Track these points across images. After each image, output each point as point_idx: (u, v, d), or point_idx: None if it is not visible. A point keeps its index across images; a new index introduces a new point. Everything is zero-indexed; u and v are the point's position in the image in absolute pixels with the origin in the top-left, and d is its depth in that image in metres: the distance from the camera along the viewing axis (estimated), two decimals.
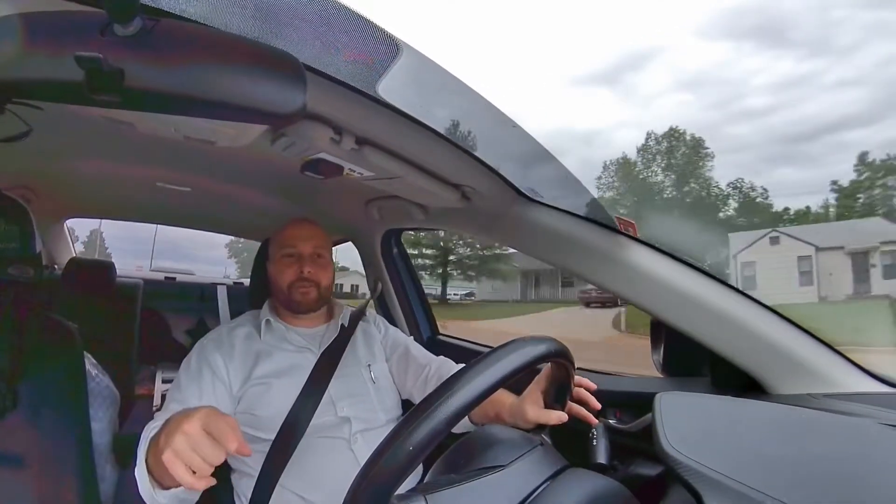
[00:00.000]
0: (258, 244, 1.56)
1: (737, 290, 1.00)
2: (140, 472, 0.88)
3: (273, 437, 1.14)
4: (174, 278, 3.23)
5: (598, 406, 1.00)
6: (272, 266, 1.34)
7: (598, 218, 1.07)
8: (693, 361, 1.14)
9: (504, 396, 1.04)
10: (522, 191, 1.11)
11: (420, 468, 1.08)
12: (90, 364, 1.13)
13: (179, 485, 0.81)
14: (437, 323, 2.17)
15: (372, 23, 0.70)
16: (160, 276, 3.25)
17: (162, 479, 0.86)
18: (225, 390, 1.17)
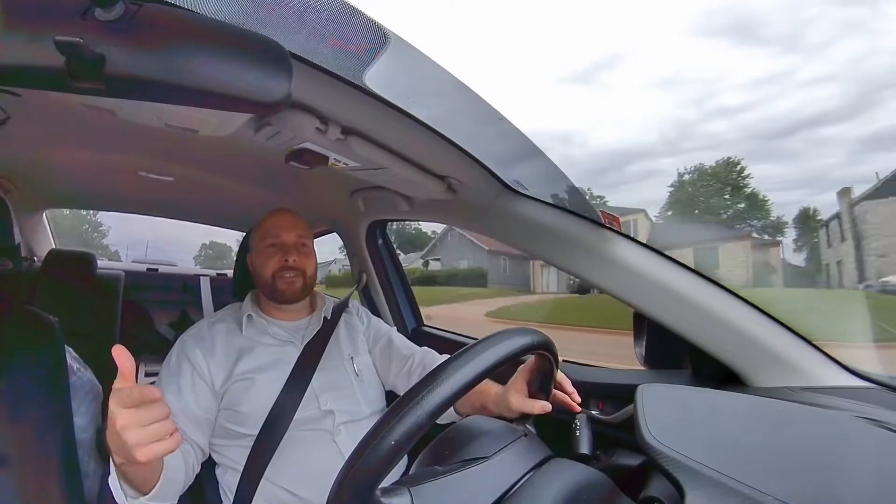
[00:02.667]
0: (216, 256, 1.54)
1: (718, 285, 1.01)
2: (113, 481, 0.87)
3: (256, 432, 1.13)
4: (156, 269, 3.18)
5: (579, 400, 1.01)
6: (255, 256, 1.31)
7: (582, 211, 1.07)
8: (674, 354, 1.15)
9: (489, 387, 1.04)
10: (508, 183, 1.11)
11: (405, 459, 1.08)
12: (71, 358, 1.11)
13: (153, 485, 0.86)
14: None
15: (359, 11, 0.69)
16: (142, 267, 3.20)
17: (135, 480, 0.86)
18: (206, 387, 1.15)
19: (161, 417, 0.72)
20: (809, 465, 0.65)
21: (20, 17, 0.49)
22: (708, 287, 1.01)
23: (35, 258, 2.56)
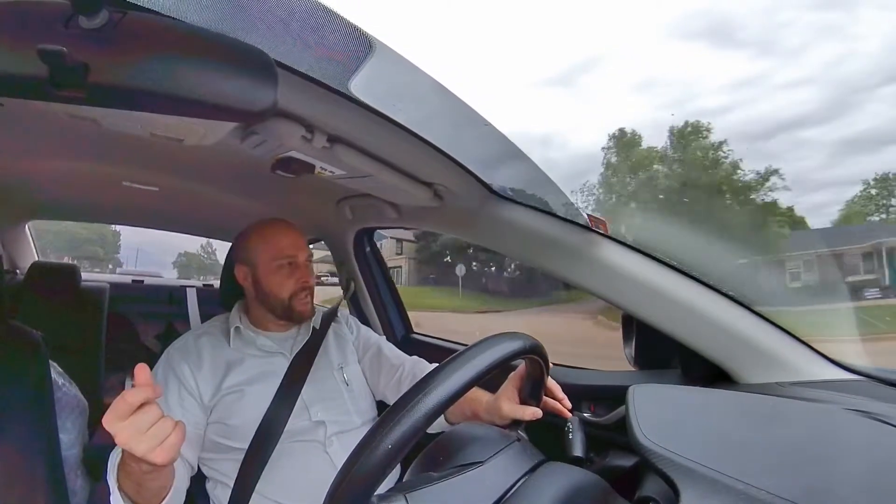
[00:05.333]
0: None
1: (705, 284, 1.02)
2: (116, 500, 0.85)
3: (247, 445, 1.11)
4: (142, 281, 3.14)
5: (570, 406, 1.01)
6: (265, 274, 1.25)
7: (569, 216, 1.08)
8: (664, 354, 1.15)
9: (479, 394, 1.04)
10: (494, 189, 1.11)
11: (397, 469, 1.08)
12: (56, 373, 1.09)
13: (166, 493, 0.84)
14: None
15: (343, 18, 0.69)
16: (127, 279, 3.16)
17: (152, 491, 0.85)
18: (194, 401, 1.13)
19: (158, 416, 0.70)
20: (802, 458, 0.66)
21: (3, 26, 0.48)
22: (695, 286, 1.02)
23: (18, 271, 2.52)
